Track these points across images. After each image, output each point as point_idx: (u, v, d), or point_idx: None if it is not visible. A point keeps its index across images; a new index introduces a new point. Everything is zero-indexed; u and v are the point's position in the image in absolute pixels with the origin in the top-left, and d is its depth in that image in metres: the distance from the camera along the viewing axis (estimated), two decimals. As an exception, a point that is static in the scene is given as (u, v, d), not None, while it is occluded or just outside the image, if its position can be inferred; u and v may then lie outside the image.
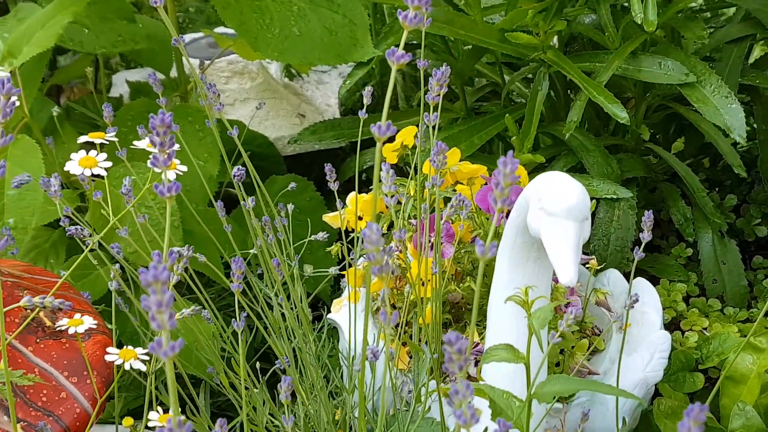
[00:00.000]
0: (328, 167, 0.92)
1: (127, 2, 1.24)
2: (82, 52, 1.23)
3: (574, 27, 1.16)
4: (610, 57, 1.07)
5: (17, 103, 0.63)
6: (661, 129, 1.26)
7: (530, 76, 1.23)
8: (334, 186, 0.90)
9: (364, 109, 0.85)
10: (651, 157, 1.23)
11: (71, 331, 0.69)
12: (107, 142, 0.73)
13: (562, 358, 0.95)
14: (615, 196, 1.07)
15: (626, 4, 1.15)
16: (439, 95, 0.78)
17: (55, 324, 0.71)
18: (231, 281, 0.72)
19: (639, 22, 0.99)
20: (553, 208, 0.74)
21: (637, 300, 0.84)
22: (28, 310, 0.70)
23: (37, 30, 1.01)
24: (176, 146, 0.54)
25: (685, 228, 1.12)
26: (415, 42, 1.30)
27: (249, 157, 1.29)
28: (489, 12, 1.22)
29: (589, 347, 0.96)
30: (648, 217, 0.78)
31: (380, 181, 0.78)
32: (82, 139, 0.69)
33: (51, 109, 1.22)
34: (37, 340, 0.71)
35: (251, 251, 0.97)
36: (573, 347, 0.95)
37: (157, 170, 0.51)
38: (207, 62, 1.39)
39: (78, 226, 0.74)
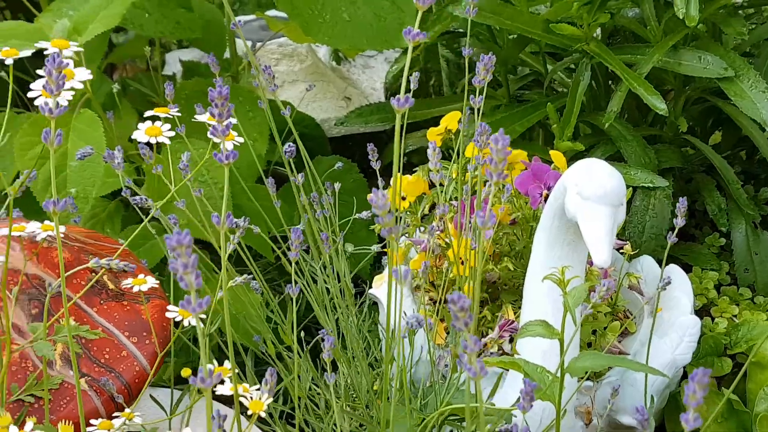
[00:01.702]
0: (370, 147, 0.96)
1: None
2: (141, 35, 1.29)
3: (617, 20, 1.19)
4: (652, 50, 1.09)
5: (88, 76, 0.67)
6: (699, 121, 1.29)
7: (573, 66, 1.26)
8: (376, 165, 0.94)
9: (410, 93, 0.89)
10: (688, 149, 1.26)
11: (135, 289, 0.74)
12: (170, 116, 0.78)
13: (594, 339, 0.98)
14: (651, 185, 1.10)
15: (669, -1, 1.17)
16: (484, 79, 0.82)
17: (117, 287, 0.76)
18: (277, 254, 0.77)
19: (681, 17, 1.02)
20: (590, 193, 0.78)
21: (669, 283, 0.87)
22: (93, 274, 0.75)
23: (101, 9, 1.06)
24: (233, 119, 0.58)
25: (719, 218, 1.15)
26: (461, 30, 1.34)
27: (297, 137, 1.34)
28: (534, 2, 1.25)
29: (620, 329, 0.99)
30: (682, 203, 0.81)
31: (398, 170, 0.81)
32: (149, 112, 0.74)
33: (110, 86, 1.27)
34: (101, 302, 0.76)
35: (298, 226, 1.01)
36: (605, 328, 0.99)
37: (216, 140, 0.55)
38: (259, 44, 1.44)
39: (140, 197, 0.78)
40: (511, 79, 1.37)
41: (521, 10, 1.19)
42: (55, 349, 0.69)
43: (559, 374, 0.72)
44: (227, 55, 1.36)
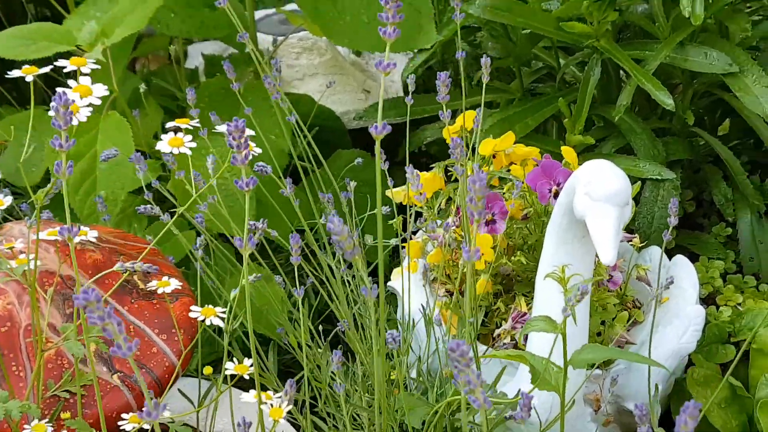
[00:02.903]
0: (380, 150, 1.00)
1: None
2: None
3: (626, 16, 1.22)
4: (660, 46, 1.12)
5: (105, 92, 0.71)
6: (707, 113, 1.32)
7: (584, 60, 1.29)
8: (384, 166, 0.98)
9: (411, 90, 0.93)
10: (698, 139, 1.29)
11: (160, 291, 0.78)
12: (191, 127, 0.82)
13: (603, 328, 1.02)
14: (660, 177, 1.14)
15: (677, -5, 1.20)
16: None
17: (147, 286, 0.81)
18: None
19: (687, 16, 1.04)
20: (598, 194, 0.82)
21: (672, 283, 0.91)
22: (123, 275, 0.79)
23: (128, 13, 1.10)
24: (250, 132, 0.62)
25: (726, 208, 1.18)
26: (476, 25, 1.37)
27: (318, 130, 1.38)
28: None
29: (628, 319, 1.03)
30: (674, 204, 0.85)
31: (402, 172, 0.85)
32: (170, 124, 0.78)
33: (135, 81, 1.32)
34: (132, 301, 0.81)
35: (320, 221, 1.05)
36: (614, 319, 1.03)
37: (237, 165, 0.59)
38: (280, 38, 1.47)
39: (150, 206, 0.83)
40: (525, 72, 1.40)
41: (534, 8, 1.22)
42: (88, 347, 0.73)
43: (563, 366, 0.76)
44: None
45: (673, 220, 0.86)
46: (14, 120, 1.17)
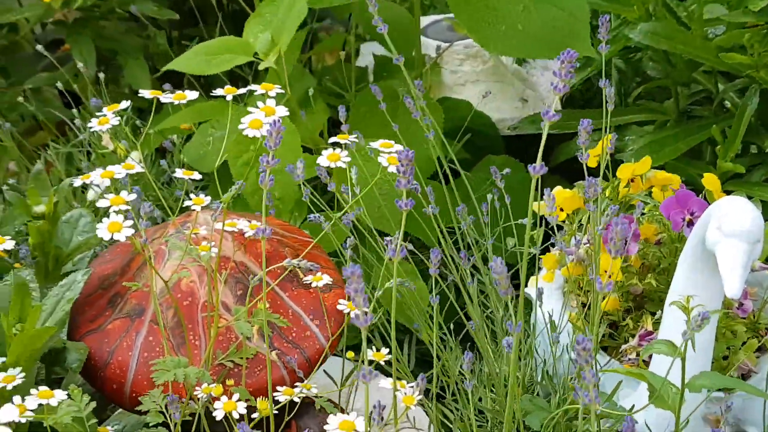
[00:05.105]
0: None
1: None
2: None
3: (788, 49, 1.23)
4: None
5: (285, 113, 0.81)
6: None
7: (744, 87, 1.31)
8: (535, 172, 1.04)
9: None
10: None
11: (314, 285, 0.89)
12: (349, 143, 0.91)
13: (729, 353, 1.06)
14: (804, 207, 1.16)
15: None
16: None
17: (306, 276, 0.91)
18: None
19: None
20: (729, 229, 0.86)
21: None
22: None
23: (286, 18, 1.19)
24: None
25: None
26: (636, 47, 1.41)
27: (472, 135, 1.45)
28: (711, 23, 1.31)
29: (757, 346, 1.06)
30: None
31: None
32: (332, 139, 0.88)
33: (308, 81, 1.42)
34: (293, 288, 0.91)
35: (463, 224, 1.13)
36: (742, 345, 1.06)
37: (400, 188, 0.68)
38: (444, 45, 1.56)
39: (317, 215, 0.94)
40: (683, 94, 1.43)
41: (695, 35, 1.25)
42: (253, 326, 0.84)
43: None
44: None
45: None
46: (200, 108, 1.30)
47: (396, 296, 0.75)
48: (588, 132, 0.80)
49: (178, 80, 1.66)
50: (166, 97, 0.84)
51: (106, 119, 0.81)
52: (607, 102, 1.00)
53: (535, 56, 1.27)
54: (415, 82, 1.09)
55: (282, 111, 0.76)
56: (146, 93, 0.86)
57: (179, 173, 0.84)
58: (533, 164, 1.01)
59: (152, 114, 0.90)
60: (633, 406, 0.82)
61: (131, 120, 1.56)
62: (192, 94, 0.84)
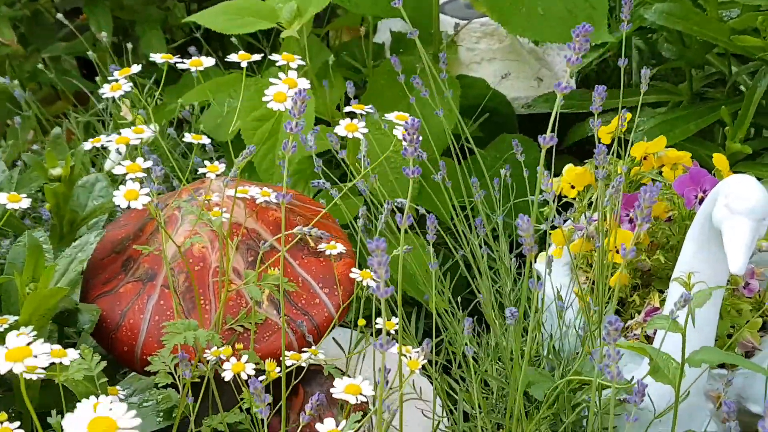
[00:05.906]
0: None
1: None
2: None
3: (802, 32, 1.24)
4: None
5: (307, 85, 0.82)
6: None
7: (756, 69, 1.31)
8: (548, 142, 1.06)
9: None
10: None
11: (327, 253, 0.90)
12: (364, 113, 0.92)
13: (734, 331, 1.07)
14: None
15: None
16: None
17: (316, 246, 0.92)
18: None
19: None
20: (736, 207, 0.87)
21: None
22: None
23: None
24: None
25: None
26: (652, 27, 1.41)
27: (488, 114, 1.46)
28: (726, 6, 1.32)
29: (763, 326, 1.07)
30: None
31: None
32: (347, 109, 0.89)
33: (326, 54, 1.43)
34: (303, 257, 0.93)
35: (474, 198, 1.14)
36: (746, 323, 1.07)
37: (407, 157, 0.69)
38: (462, 22, 1.56)
39: (322, 181, 0.95)
40: (697, 75, 1.44)
41: (709, 17, 1.26)
42: (264, 292, 0.86)
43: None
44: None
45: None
46: (219, 82, 1.31)
47: (405, 267, 0.77)
48: (602, 98, 0.80)
49: (195, 53, 1.67)
50: (181, 63, 0.85)
51: (118, 85, 0.83)
52: (641, 83, 1.01)
53: (552, 40, 1.28)
54: (440, 55, 1.10)
55: (304, 83, 0.77)
56: (157, 57, 0.88)
57: (188, 137, 0.85)
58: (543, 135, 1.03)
59: (163, 82, 0.91)
60: (632, 377, 0.83)
61: (152, 90, 1.58)
62: (208, 61, 0.85)
